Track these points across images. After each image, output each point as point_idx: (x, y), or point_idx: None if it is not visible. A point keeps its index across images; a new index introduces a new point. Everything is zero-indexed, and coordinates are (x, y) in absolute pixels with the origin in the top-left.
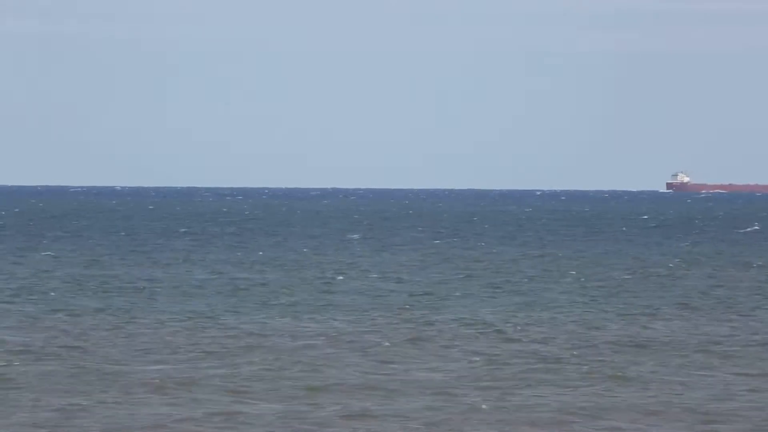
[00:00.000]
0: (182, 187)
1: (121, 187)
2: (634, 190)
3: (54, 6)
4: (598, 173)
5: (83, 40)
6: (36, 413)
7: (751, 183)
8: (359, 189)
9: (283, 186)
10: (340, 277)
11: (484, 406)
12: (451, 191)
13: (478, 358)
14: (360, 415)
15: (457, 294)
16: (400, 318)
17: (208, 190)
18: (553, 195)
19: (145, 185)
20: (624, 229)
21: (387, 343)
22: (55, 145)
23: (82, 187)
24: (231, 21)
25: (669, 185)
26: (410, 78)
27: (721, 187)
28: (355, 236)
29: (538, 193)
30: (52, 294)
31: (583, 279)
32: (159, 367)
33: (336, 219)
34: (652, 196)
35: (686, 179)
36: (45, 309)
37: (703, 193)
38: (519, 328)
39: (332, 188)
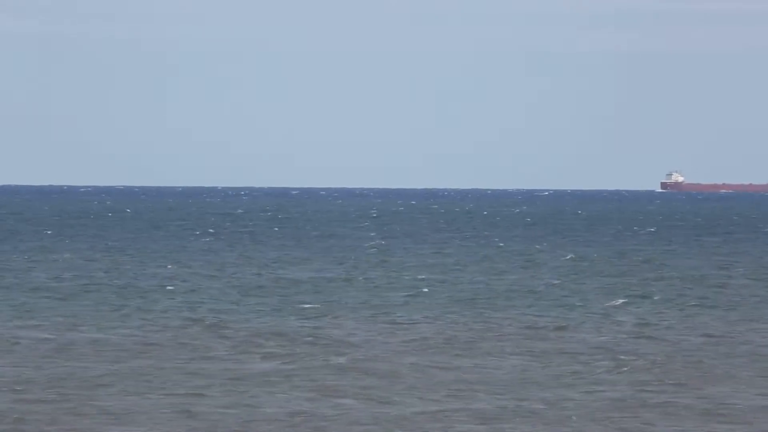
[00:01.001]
0: (182, 187)
1: (122, 186)
2: (629, 189)
3: (54, 6)
4: (593, 173)
5: (83, 40)
6: None
7: (746, 183)
8: (359, 189)
9: (284, 186)
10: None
11: None
12: (451, 191)
13: None
14: None
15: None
16: None
17: (207, 190)
18: (561, 194)
19: (145, 185)
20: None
21: None
22: (55, 145)
23: (87, 187)
24: (231, 21)
25: (663, 185)
26: (410, 78)
27: (714, 187)
28: (446, 235)
29: (546, 193)
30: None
31: None
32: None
33: (379, 218)
34: (658, 196)
35: (681, 179)
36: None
37: (722, 192)
38: None
39: (334, 188)
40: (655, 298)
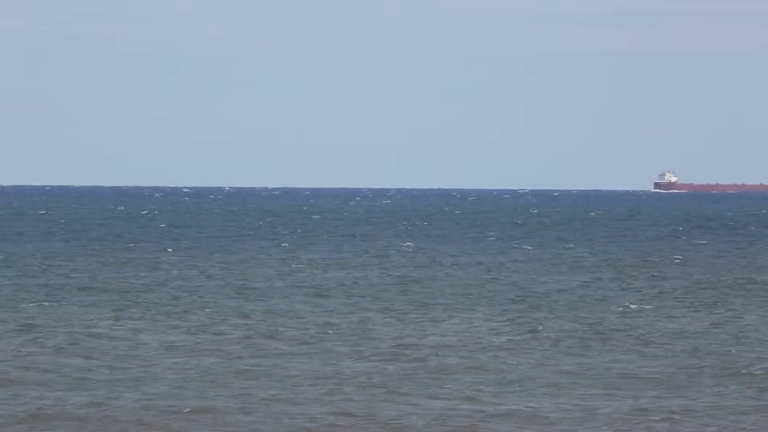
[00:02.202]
0: (184, 187)
1: (127, 186)
2: (621, 189)
3: (54, 6)
4: (589, 174)
5: (82, 40)
6: None
7: (738, 183)
8: (361, 189)
9: (284, 186)
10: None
11: None
12: (455, 191)
13: None
14: None
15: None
16: None
17: (208, 189)
18: (567, 194)
19: (145, 186)
20: None
21: None
22: (55, 145)
23: (88, 187)
24: (231, 21)
25: (656, 185)
26: (410, 78)
27: (709, 187)
28: (492, 235)
29: (556, 193)
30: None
31: None
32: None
33: (413, 217)
34: (655, 196)
35: (674, 179)
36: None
37: (715, 192)
38: None
39: (334, 188)
40: None
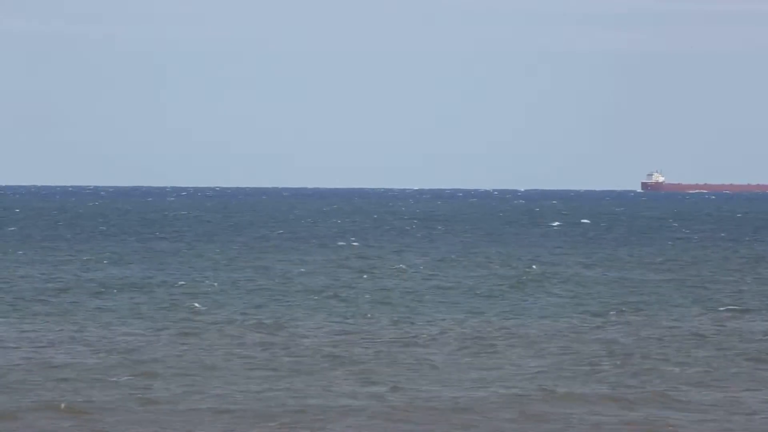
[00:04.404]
0: (183, 187)
1: (128, 187)
2: (609, 189)
3: (54, 6)
4: (584, 174)
5: (82, 40)
6: None
7: (726, 183)
8: (360, 189)
9: (285, 186)
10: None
11: None
12: (454, 191)
13: None
14: None
15: None
16: None
17: (208, 189)
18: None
19: (145, 186)
20: None
21: None
22: (55, 145)
23: (87, 188)
24: (231, 21)
25: (644, 185)
26: (410, 78)
27: (697, 187)
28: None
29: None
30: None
31: None
32: None
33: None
34: (641, 196)
35: (661, 179)
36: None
37: (697, 192)
38: None
39: (334, 189)
40: None
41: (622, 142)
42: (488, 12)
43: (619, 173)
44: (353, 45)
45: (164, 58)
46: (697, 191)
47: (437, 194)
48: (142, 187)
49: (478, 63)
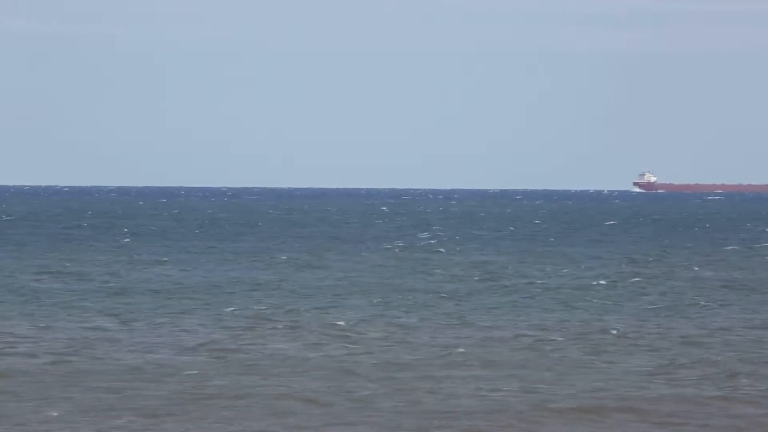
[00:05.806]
0: (183, 187)
1: (132, 187)
2: (600, 189)
3: (54, 6)
4: (580, 174)
5: (82, 40)
6: None
7: (718, 183)
8: (361, 189)
9: (285, 186)
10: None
11: None
12: (455, 191)
13: None
14: None
15: None
16: None
17: (208, 190)
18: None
19: (145, 186)
20: None
21: None
22: (55, 145)
23: (89, 187)
24: (231, 21)
25: (636, 185)
26: (410, 78)
27: (688, 187)
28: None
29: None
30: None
31: None
32: None
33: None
34: (636, 197)
35: (653, 179)
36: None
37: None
38: None
39: (334, 188)
40: None
41: (623, 142)
42: (488, 12)
43: (612, 173)
44: (353, 45)
45: (164, 58)
46: (706, 191)
47: (447, 195)
48: (146, 188)
49: (478, 63)
